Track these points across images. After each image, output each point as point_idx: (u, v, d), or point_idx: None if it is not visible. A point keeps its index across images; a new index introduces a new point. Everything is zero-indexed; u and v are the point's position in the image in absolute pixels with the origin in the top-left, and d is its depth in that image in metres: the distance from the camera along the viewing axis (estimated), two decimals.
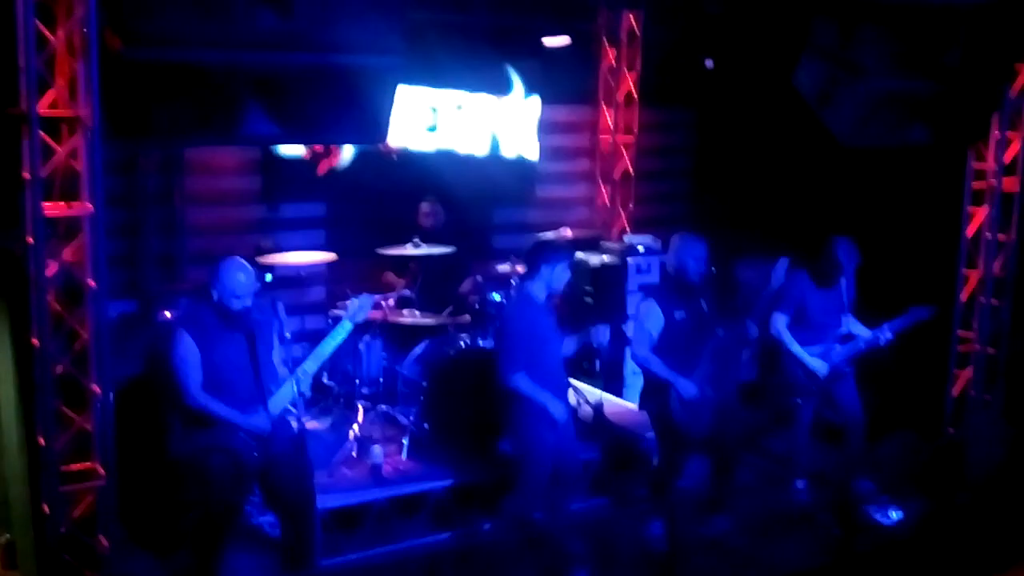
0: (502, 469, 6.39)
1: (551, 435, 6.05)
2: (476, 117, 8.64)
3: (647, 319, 6.33)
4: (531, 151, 9.03)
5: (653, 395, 6.44)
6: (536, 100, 8.90)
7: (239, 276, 5.36)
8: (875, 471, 7.16)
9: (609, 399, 7.95)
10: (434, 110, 8.46)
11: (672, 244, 6.45)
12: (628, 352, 7.92)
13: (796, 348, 6.83)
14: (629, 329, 6.62)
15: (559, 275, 6.11)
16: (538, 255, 6.19)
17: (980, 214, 7.56)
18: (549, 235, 8.42)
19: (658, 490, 6.63)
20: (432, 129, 8.46)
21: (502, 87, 8.70)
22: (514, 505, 6.10)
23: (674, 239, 6.45)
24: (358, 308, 5.75)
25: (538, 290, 6.11)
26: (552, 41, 8.23)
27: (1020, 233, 7.54)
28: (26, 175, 4.81)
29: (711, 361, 6.35)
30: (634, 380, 8.23)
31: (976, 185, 7.57)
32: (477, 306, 7.51)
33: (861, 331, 6.96)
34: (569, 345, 6.32)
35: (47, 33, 4.74)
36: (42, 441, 5.01)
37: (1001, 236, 7.55)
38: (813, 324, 6.87)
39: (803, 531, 6.74)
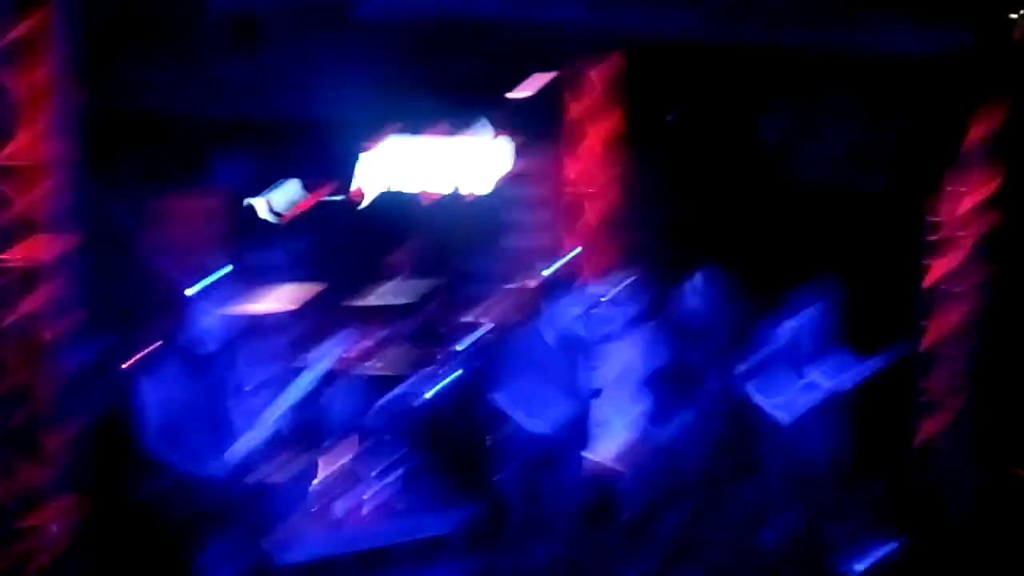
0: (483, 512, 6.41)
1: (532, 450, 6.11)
2: (442, 159, 8.67)
3: (635, 358, 6.33)
4: (495, 190, 9.04)
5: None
6: (504, 142, 8.94)
7: (206, 321, 5.32)
8: (844, 518, 7.18)
9: None
10: (400, 156, 8.47)
11: (681, 287, 6.46)
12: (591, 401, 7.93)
13: (759, 397, 6.86)
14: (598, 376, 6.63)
15: (562, 313, 6.20)
16: (541, 296, 6.30)
17: (938, 265, 7.66)
18: (514, 285, 8.42)
19: (634, 538, 6.61)
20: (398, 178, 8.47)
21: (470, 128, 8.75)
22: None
23: (686, 283, 6.46)
24: (322, 359, 5.74)
25: (546, 329, 6.22)
26: (518, 92, 8.29)
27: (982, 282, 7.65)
28: None
29: (694, 411, 6.38)
30: (598, 431, 8.23)
31: (933, 237, 7.67)
32: (442, 354, 7.49)
33: (825, 378, 7.00)
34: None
35: (14, 82, 4.71)
36: None
37: (958, 288, 7.65)
38: (776, 374, 6.91)
39: None
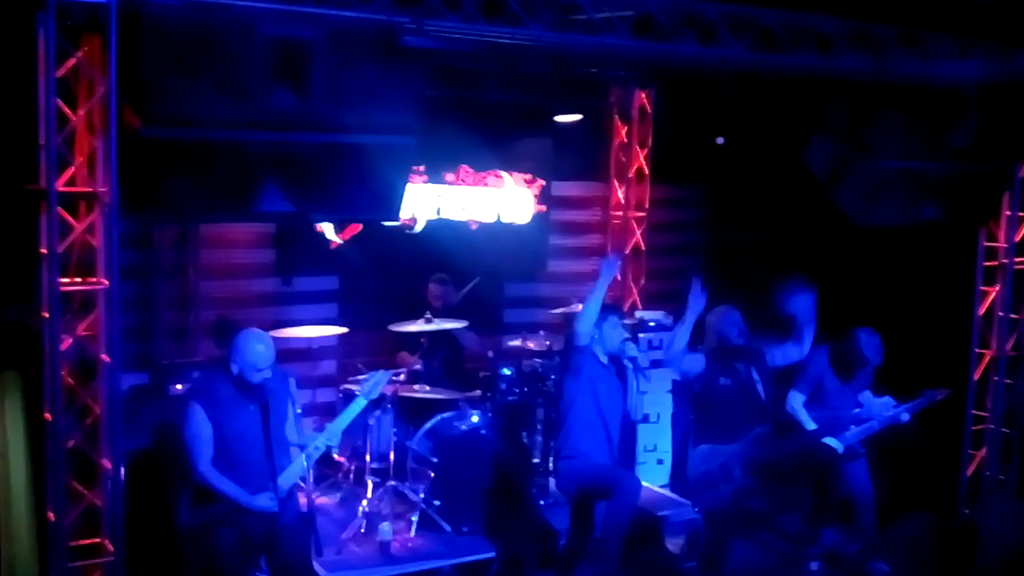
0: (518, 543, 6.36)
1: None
2: (481, 193, 8.75)
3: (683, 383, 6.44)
4: (542, 215, 9.10)
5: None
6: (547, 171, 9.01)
7: (258, 347, 5.34)
8: (889, 552, 7.04)
9: None
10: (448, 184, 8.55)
11: (709, 318, 6.53)
12: (638, 429, 7.91)
13: (812, 426, 6.80)
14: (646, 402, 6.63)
15: (607, 335, 6.28)
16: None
17: (992, 293, 7.57)
18: (562, 310, 8.43)
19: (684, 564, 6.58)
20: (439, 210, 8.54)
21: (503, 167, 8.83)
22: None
23: (710, 313, 6.53)
24: (373, 384, 5.74)
25: (600, 352, 6.32)
26: (564, 117, 8.32)
27: None
28: (44, 251, 4.86)
29: (753, 446, 6.38)
30: (646, 457, 8.20)
31: (988, 264, 7.58)
32: (488, 381, 7.51)
33: (878, 410, 6.92)
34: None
35: (68, 112, 4.82)
36: (52, 516, 4.98)
37: (1014, 315, 7.54)
38: (829, 404, 6.88)
39: None
